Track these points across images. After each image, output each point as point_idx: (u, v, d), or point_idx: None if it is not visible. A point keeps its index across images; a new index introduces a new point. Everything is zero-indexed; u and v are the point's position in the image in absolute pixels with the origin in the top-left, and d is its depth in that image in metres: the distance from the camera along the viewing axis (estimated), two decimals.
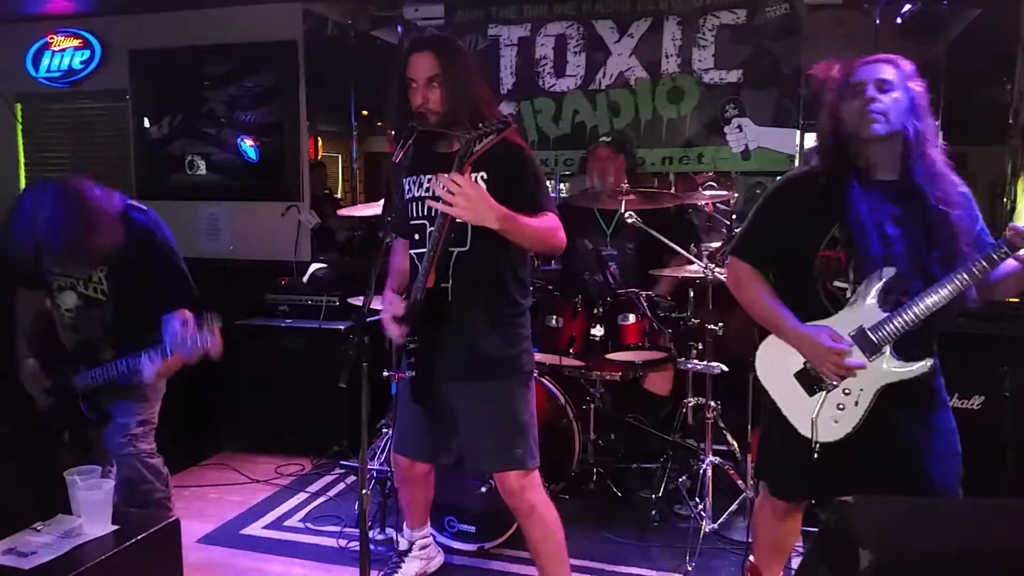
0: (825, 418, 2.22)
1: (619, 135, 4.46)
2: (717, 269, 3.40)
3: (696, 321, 3.55)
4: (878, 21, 4.26)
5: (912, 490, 2.19)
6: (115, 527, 2.24)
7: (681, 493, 3.56)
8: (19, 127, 5.60)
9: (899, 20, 4.26)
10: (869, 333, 2.17)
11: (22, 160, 5.68)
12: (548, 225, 2.42)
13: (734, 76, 4.40)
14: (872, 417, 2.19)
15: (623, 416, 3.87)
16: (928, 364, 2.16)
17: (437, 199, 2.25)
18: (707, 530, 3.29)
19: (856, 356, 2.17)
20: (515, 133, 2.52)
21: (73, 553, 2.11)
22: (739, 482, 3.48)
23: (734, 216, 3.74)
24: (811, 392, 2.24)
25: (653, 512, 3.50)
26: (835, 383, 2.20)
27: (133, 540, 2.20)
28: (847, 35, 4.55)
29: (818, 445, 2.21)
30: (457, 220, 2.31)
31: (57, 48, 5.34)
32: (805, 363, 2.25)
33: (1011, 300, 3.40)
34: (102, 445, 2.75)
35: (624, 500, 3.65)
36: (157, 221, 2.80)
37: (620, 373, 3.56)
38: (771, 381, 2.34)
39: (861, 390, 2.19)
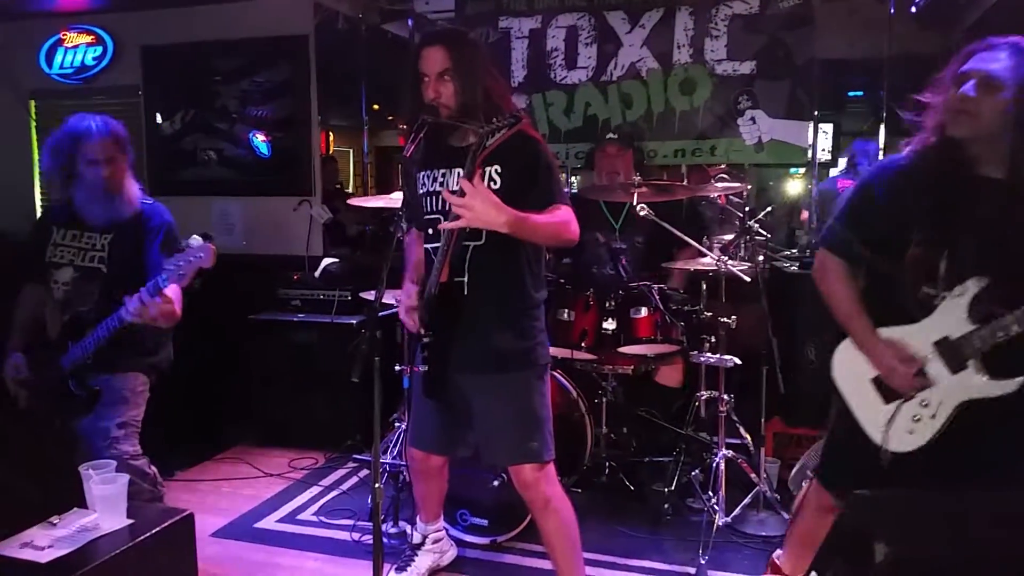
0: (899, 428, 2.12)
1: (628, 128, 4.44)
2: (730, 262, 3.38)
3: (709, 314, 3.53)
4: (892, 10, 4.22)
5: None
6: (130, 521, 2.25)
7: (694, 487, 3.55)
8: (33, 124, 5.63)
9: (914, 8, 4.22)
10: (954, 345, 2.04)
11: (36, 157, 5.71)
12: (560, 219, 2.40)
13: (747, 67, 4.37)
14: (952, 429, 2.08)
15: (635, 410, 3.86)
16: (1017, 383, 1.99)
17: (449, 211, 2.25)
18: (720, 524, 3.28)
19: (934, 370, 2.07)
20: (529, 126, 2.51)
21: (89, 547, 2.12)
22: (752, 476, 3.47)
23: (747, 208, 3.71)
24: (887, 400, 2.15)
25: (666, 506, 3.49)
26: (911, 396, 2.10)
27: (148, 534, 2.21)
28: (861, 24, 4.50)
29: (890, 455, 2.12)
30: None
31: (70, 44, 5.36)
32: None
33: None
34: (85, 447, 2.76)
35: (637, 494, 3.64)
36: (164, 208, 2.97)
37: (632, 366, 3.55)
38: (847, 383, 2.25)
39: (940, 403, 2.07)
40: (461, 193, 2.18)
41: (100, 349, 2.72)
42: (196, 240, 2.48)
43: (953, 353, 2.05)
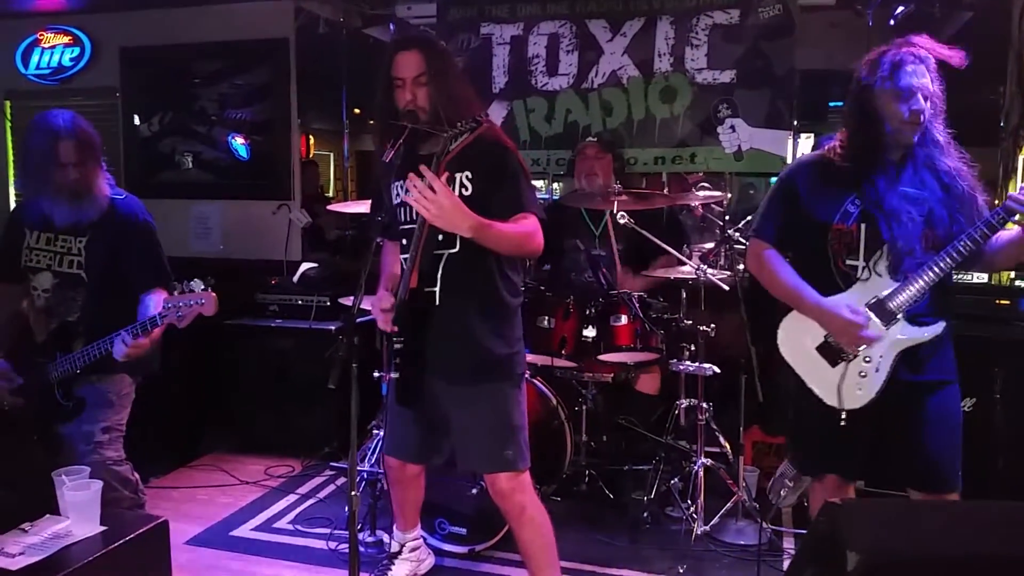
0: (850, 386, 2.34)
1: (607, 135, 4.45)
2: (710, 270, 3.39)
3: (688, 322, 3.55)
4: (871, 23, 4.27)
5: (916, 459, 2.34)
6: (103, 528, 2.22)
7: (673, 495, 3.54)
8: (8, 124, 5.57)
9: (892, 22, 4.27)
10: (884, 302, 2.29)
11: (11, 158, 5.65)
12: (524, 230, 2.39)
13: (727, 76, 4.39)
14: (889, 387, 2.31)
15: (615, 418, 3.86)
16: (941, 327, 2.28)
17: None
18: (698, 532, 3.29)
19: (873, 327, 2.30)
20: (497, 131, 2.52)
21: (61, 554, 2.09)
22: (731, 484, 3.48)
23: (727, 217, 3.73)
24: (834, 363, 2.36)
25: (645, 514, 3.49)
26: (855, 353, 2.32)
27: (121, 541, 2.18)
28: (840, 36, 4.55)
29: (845, 413, 2.33)
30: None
31: (47, 45, 5.31)
32: (826, 336, 2.37)
33: (1001, 302, 3.41)
34: (69, 450, 2.73)
35: (616, 502, 3.64)
36: (138, 204, 2.90)
37: (612, 374, 3.56)
38: (794, 357, 2.45)
39: (881, 357, 2.31)
40: (430, 187, 2.17)
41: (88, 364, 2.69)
42: (198, 284, 2.48)
43: (884, 310, 2.30)
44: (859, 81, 2.33)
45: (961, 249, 2.20)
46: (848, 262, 2.35)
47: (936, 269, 2.23)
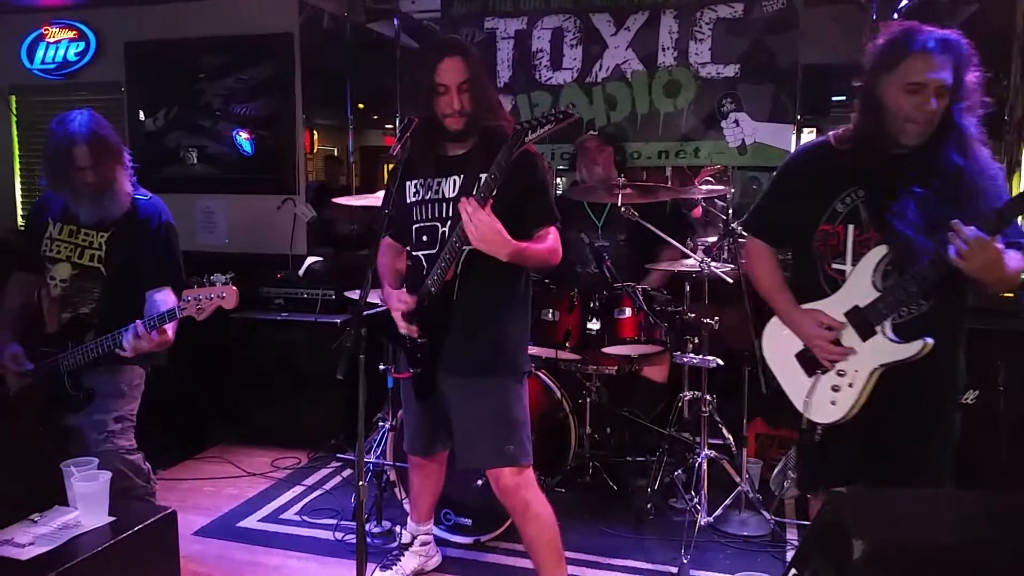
0: (822, 400, 2.17)
1: (611, 129, 4.46)
2: (713, 263, 3.40)
3: (692, 315, 3.55)
4: (875, 16, 4.27)
5: (901, 479, 2.16)
6: (112, 518, 2.25)
7: (676, 487, 3.56)
8: (14, 119, 5.58)
9: (896, 15, 4.27)
10: (863, 313, 2.10)
11: (16, 152, 5.66)
12: (549, 247, 2.45)
13: (731, 70, 4.40)
14: (876, 404, 2.13)
15: (619, 410, 3.87)
16: (922, 345, 2.03)
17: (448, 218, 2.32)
18: (702, 523, 3.30)
19: (848, 339, 2.12)
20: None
21: (70, 544, 2.11)
22: (734, 476, 3.49)
23: (731, 212, 3.73)
24: (809, 373, 2.21)
25: (648, 505, 3.50)
26: (828, 367, 2.16)
27: (130, 532, 2.21)
28: (844, 30, 4.55)
29: (820, 428, 2.18)
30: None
31: (52, 40, 5.31)
32: (805, 344, 2.22)
33: (1007, 295, 3.42)
34: (81, 440, 2.75)
35: (619, 493, 3.65)
36: (161, 205, 2.93)
37: (616, 367, 3.57)
38: (775, 362, 2.31)
39: (856, 371, 2.12)
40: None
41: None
42: (219, 277, 2.51)
43: (862, 321, 2.10)
44: (870, 64, 2.10)
45: (923, 274, 1.99)
46: (835, 266, 2.16)
47: (915, 280, 2.01)
